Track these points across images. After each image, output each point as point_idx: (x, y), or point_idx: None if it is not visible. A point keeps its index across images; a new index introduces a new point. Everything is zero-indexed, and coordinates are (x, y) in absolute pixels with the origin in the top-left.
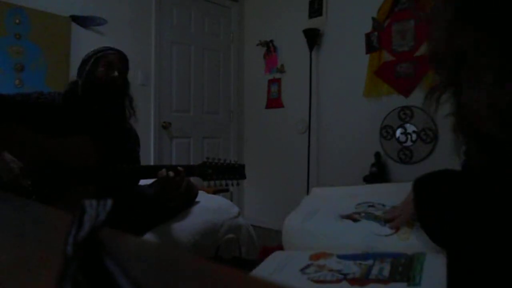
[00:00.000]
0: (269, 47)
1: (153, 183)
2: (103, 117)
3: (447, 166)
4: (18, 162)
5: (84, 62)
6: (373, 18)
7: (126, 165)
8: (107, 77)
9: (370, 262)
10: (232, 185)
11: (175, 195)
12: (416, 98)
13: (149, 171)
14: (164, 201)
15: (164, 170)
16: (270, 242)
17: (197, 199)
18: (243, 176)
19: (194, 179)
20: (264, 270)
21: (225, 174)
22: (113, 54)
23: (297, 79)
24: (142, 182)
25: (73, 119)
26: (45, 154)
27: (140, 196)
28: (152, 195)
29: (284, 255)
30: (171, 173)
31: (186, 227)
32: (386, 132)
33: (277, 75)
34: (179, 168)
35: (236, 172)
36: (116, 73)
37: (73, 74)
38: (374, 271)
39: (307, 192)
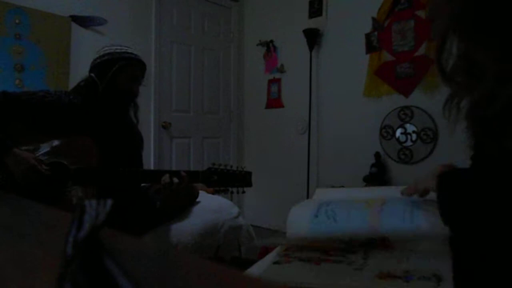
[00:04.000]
0: (269, 47)
1: (152, 186)
2: (117, 123)
3: None
4: (30, 153)
5: (106, 63)
6: (373, 18)
7: (134, 168)
8: (130, 90)
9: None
10: (238, 192)
11: (177, 201)
12: (416, 98)
13: (153, 176)
14: (167, 208)
15: (167, 175)
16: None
17: (197, 199)
18: (249, 184)
19: None
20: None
21: (231, 181)
22: (138, 66)
23: (297, 79)
24: None
25: (86, 121)
26: (52, 154)
27: (140, 196)
28: (153, 196)
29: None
30: (175, 180)
31: (186, 227)
32: (386, 132)
33: (277, 75)
34: (182, 173)
35: (242, 180)
36: (138, 88)
37: (73, 74)
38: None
39: (307, 192)
